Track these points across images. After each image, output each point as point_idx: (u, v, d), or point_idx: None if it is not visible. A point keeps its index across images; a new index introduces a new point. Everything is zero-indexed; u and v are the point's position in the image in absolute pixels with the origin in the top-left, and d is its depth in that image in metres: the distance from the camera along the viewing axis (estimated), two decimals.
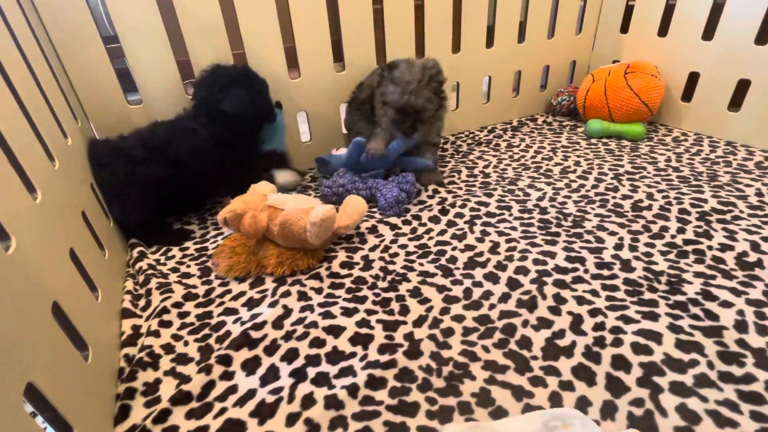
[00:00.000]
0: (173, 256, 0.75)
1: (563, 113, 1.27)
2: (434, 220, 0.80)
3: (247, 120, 0.82)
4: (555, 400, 0.46)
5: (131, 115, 0.83)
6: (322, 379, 0.50)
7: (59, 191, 0.53)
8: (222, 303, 0.63)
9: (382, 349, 0.53)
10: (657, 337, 0.53)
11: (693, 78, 1.07)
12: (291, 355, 0.53)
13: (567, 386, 0.47)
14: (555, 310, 0.58)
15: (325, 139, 1.03)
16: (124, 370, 0.52)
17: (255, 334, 0.56)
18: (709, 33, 1.01)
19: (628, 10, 1.16)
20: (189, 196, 0.85)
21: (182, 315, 0.61)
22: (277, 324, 0.58)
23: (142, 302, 0.64)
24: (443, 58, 1.07)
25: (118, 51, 0.79)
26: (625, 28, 1.18)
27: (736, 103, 1.01)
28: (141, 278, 0.68)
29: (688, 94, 1.09)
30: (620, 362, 0.50)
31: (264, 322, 0.58)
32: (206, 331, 0.58)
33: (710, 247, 0.67)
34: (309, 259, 0.68)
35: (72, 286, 0.48)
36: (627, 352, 0.51)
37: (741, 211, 0.75)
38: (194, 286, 0.67)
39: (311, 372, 0.51)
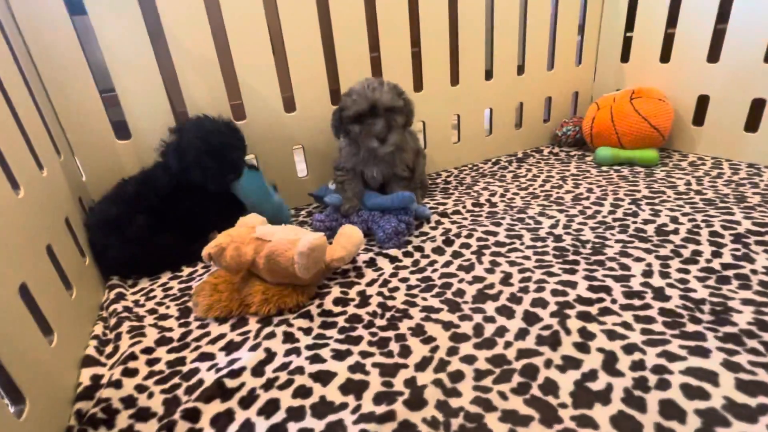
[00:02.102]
0: (154, 296, 0.68)
1: (569, 143, 1.23)
2: (438, 251, 0.73)
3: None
4: None
5: (119, 151, 0.80)
6: None
7: (17, 221, 0.48)
8: (198, 347, 0.55)
9: (378, 399, 0.45)
10: (712, 377, 0.43)
11: (702, 101, 1.03)
12: (270, 408, 0.45)
13: None
14: (582, 347, 0.49)
15: (322, 172, 0.99)
16: (72, 430, 0.44)
17: (230, 383, 0.48)
18: (714, 55, 0.98)
19: (627, 41, 1.16)
20: (181, 243, 0.77)
21: (151, 362, 0.53)
22: (257, 371, 0.50)
23: (108, 348, 0.56)
24: (442, 90, 1.06)
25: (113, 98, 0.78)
26: (625, 57, 1.17)
27: (752, 124, 0.96)
28: (112, 321, 0.61)
29: (699, 118, 1.05)
30: (671, 409, 0.40)
31: (242, 369, 0.49)
32: (176, 380, 0.50)
33: (754, 271, 0.59)
34: (298, 296, 0.61)
35: (17, 329, 0.41)
36: (677, 396, 0.42)
37: None
38: (170, 329, 0.59)
39: (293, 428, 0.42)
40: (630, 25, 1.13)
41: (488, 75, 1.12)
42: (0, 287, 0.41)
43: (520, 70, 1.15)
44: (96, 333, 0.59)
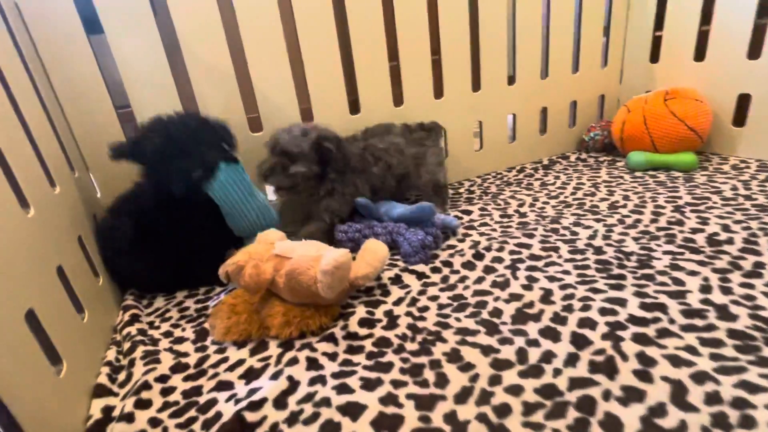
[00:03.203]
0: (169, 318, 0.65)
1: (597, 149, 1.17)
2: (468, 266, 0.68)
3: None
4: None
5: (134, 167, 0.78)
6: None
7: (26, 242, 0.45)
8: (215, 375, 0.51)
9: None
10: None
11: (743, 100, 0.97)
12: None
13: None
14: (644, 376, 0.43)
15: None
16: None
17: (251, 417, 0.43)
18: (755, 51, 0.92)
19: (656, 40, 1.10)
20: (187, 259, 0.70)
21: (166, 391, 0.49)
22: (280, 402, 0.45)
23: (121, 376, 0.53)
24: (463, 97, 1.02)
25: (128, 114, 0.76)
26: (654, 57, 1.11)
27: None
28: (126, 346, 0.57)
29: (739, 119, 0.99)
30: None
31: (263, 400, 0.45)
32: (192, 412, 0.46)
33: None
34: (321, 317, 0.57)
35: (21, 360, 0.38)
36: None
37: None
38: (186, 354, 0.55)
39: None
40: (659, 23, 1.08)
41: (510, 80, 1.07)
42: (5, 314, 0.37)
43: (544, 73, 1.11)
44: (109, 359, 0.55)
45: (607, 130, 1.14)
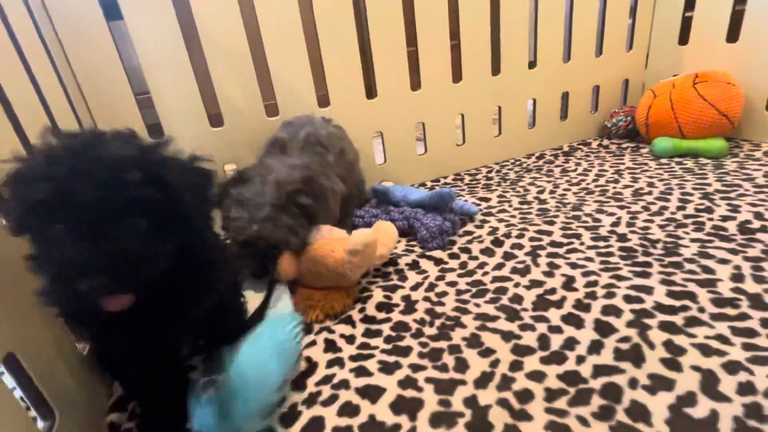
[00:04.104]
0: None
1: (620, 135, 1.14)
2: (487, 252, 0.67)
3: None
4: None
5: None
6: None
7: None
8: None
9: (435, 420, 0.39)
10: None
11: None
12: (315, 427, 0.40)
13: None
14: (672, 364, 0.42)
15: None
16: None
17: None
18: None
19: (685, 21, 1.05)
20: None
21: None
22: (299, 384, 0.45)
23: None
24: (482, 81, 0.99)
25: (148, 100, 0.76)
26: (684, 39, 1.07)
27: None
28: None
29: None
30: None
31: (283, 382, 0.45)
32: None
33: None
34: (344, 299, 0.57)
35: (37, 339, 0.38)
36: None
37: None
38: None
39: None
40: (690, 3, 1.03)
41: (531, 64, 1.04)
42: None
43: (566, 57, 1.07)
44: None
45: (631, 116, 1.10)
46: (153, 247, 0.32)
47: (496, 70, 1.01)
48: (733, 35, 0.97)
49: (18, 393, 0.35)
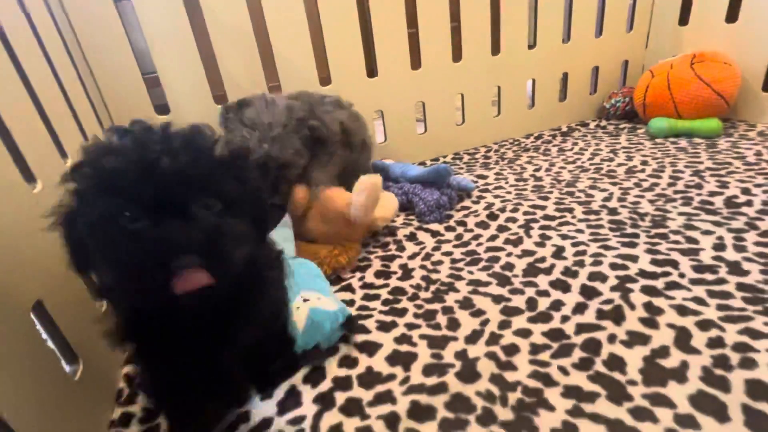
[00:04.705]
0: None
1: (618, 116, 1.15)
2: (482, 225, 0.70)
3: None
4: None
5: None
6: (353, 407, 0.40)
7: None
8: None
9: (427, 371, 0.43)
10: None
11: None
12: (316, 377, 0.44)
13: (687, 422, 0.34)
14: (649, 323, 0.45)
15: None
16: (122, 392, 0.45)
17: None
18: None
19: (686, 2, 1.06)
20: None
21: None
22: None
23: None
24: (482, 60, 1.00)
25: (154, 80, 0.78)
26: (684, 19, 1.07)
27: None
28: None
29: None
30: (760, 390, 0.36)
31: None
32: None
33: None
34: (348, 252, 0.61)
35: (64, 288, 0.41)
36: (767, 375, 0.37)
37: None
38: None
39: (340, 397, 0.41)
40: None
41: (531, 44, 1.05)
42: (50, 245, 0.41)
43: (565, 37, 1.08)
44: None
45: (629, 97, 1.12)
46: (244, 232, 0.30)
47: (495, 50, 1.02)
48: (732, 15, 0.98)
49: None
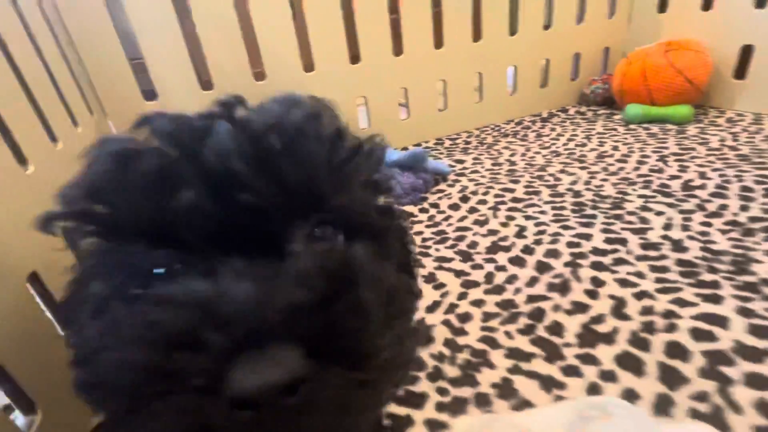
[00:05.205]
0: None
1: (598, 102, 1.18)
2: (454, 207, 0.74)
3: None
4: (594, 392, 0.38)
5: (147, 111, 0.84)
6: None
7: (57, 169, 0.52)
8: None
9: None
10: (722, 321, 0.43)
11: (746, 53, 0.96)
12: None
13: (608, 376, 0.39)
14: (592, 294, 0.49)
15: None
16: None
17: None
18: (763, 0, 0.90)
19: None
20: None
21: None
22: None
23: None
24: (463, 47, 1.03)
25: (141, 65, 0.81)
26: (663, 6, 1.09)
27: None
28: None
29: (741, 72, 0.98)
30: (676, 350, 0.41)
31: None
32: None
33: None
34: None
35: (58, 260, 0.46)
36: (685, 338, 0.42)
37: None
38: None
39: None
40: None
41: (512, 30, 1.07)
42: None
43: (546, 24, 1.10)
44: None
45: (608, 84, 1.15)
46: (403, 290, 0.18)
47: (477, 36, 1.04)
48: (707, 3, 1.00)
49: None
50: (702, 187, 0.69)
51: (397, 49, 0.98)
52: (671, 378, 0.38)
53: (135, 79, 0.81)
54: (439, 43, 1.01)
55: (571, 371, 0.40)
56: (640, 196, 0.69)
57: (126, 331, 0.14)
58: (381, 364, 0.14)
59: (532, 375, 0.40)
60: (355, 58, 0.95)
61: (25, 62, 0.52)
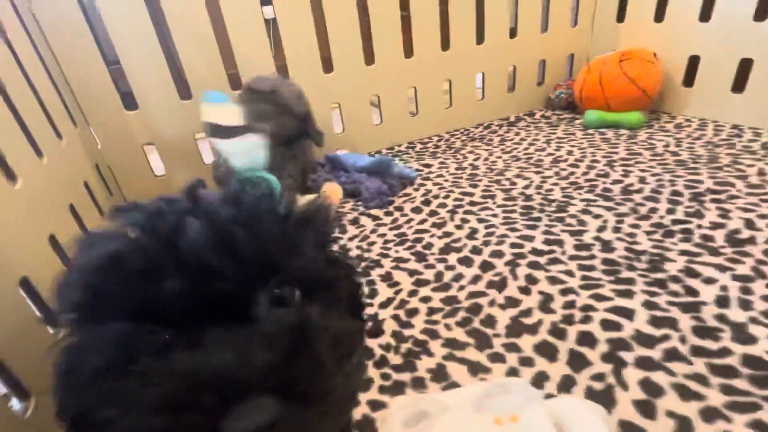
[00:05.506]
0: None
1: (562, 107, 1.25)
2: (416, 210, 0.80)
3: None
4: (512, 375, 0.44)
5: (129, 120, 0.88)
6: None
7: (43, 185, 0.57)
8: None
9: None
10: (629, 313, 0.50)
11: (694, 62, 1.03)
12: None
13: (527, 362, 0.46)
14: (525, 290, 0.56)
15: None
16: None
17: None
18: (706, 14, 0.97)
19: (623, 0, 1.14)
20: None
21: None
22: None
23: None
24: (433, 56, 1.08)
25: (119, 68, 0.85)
26: (621, 17, 1.16)
27: (739, 84, 0.96)
28: None
29: (689, 79, 1.05)
30: (587, 338, 0.48)
31: None
32: None
33: (700, 226, 0.64)
34: None
35: (47, 267, 0.51)
36: (596, 328, 0.49)
37: (739, 191, 0.71)
38: None
39: None
40: None
41: (479, 39, 1.13)
42: (31, 240, 0.50)
43: (513, 33, 1.16)
44: None
45: (572, 89, 1.21)
46: (352, 333, 0.22)
47: (445, 45, 1.10)
48: (660, 15, 1.07)
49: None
50: (639, 191, 0.76)
51: (369, 59, 1.03)
52: (578, 362, 0.45)
53: (116, 89, 0.85)
54: (408, 52, 1.07)
55: (497, 358, 0.47)
56: (583, 200, 0.76)
57: (139, 402, 0.16)
58: (335, 398, 0.18)
59: (463, 361, 0.47)
60: (328, 66, 1.01)
61: (8, 76, 0.57)
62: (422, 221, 0.76)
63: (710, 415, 0.38)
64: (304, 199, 0.68)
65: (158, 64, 0.85)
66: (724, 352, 0.44)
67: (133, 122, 0.89)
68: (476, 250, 0.66)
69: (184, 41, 0.86)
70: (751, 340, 0.45)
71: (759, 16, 0.89)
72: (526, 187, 0.83)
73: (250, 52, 0.92)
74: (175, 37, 0.85)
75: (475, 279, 0.59)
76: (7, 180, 0.49)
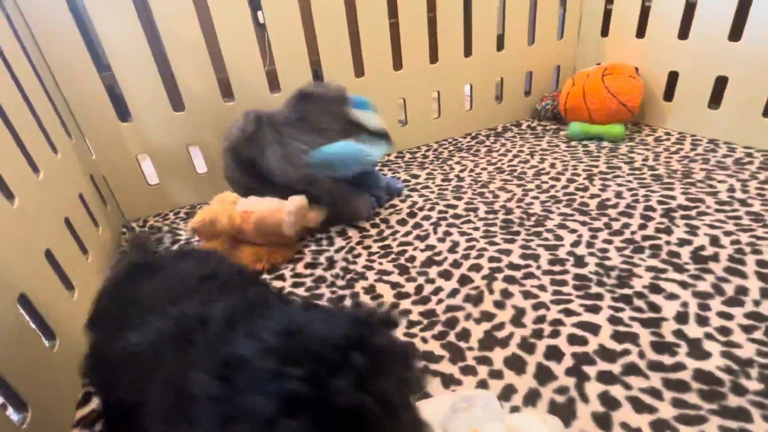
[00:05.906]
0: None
1: (548, 117, 1.28)
2: (401, 222, 0.83)
3: None
4: (482, 388, 0.48)
5: (122, 132, 0.90)
6: None
7: (39, 200, 0.59)
8: None
9: None
10: (595, 328, 0.53)
11: (673, 77, 1.06)
12: None
13: (496, 375, 0.49)
14: (499, 305, 0.59)
15: None
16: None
17: None
18: (684, 32, 1.01)
19: (608, 14, 1.17)
20: None
21: None
22: None
23: None
24: (421, 69, 1.11)
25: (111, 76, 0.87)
26: (605, 31, 1.19)
27: (715, 100, 0.99)
28: None
29: (670, 94, 1.09)
30: (554, 352, 0.51)
31: None
32: None
33: (668, 242, 0.67)
34: (286, 252, 0.73)
35: (44, 282, 0.53)
36: (562, 343, 0.52)
37: (708, 207, 0.75)
38: None
39: None
40: None
41: (467, 52, 1.16)
42: (29, 256, 0.52)
43: (500, 45, 1.19)
44: None
45: (558, 100, 1.24)
46: None
47: (434, 58, 1.13)
48: (641, 31, 1.10)
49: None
50: (615, 206, 0.79)
51: (358, 72, 1.06)
52: (544, 376, 0.48)
53: (110, 101, 0.87)
54: (398, 65, 1.09)
55: (469, 370, 0.50)
56: (561, 214, 0.79)
57: None
58: None
59: (437, 373, 0.50)
60: (319, 80, 1.03)
61: (5, 93, 0.59)
62: (407, 233, 0.79)
63: (660, 426, 0.41)
64: (293, 200, 0.71)
65: (150, 73, 0.87)
66: (678, 366, 0.47)
67: (127, 133, 0.91)
68: (456, 264, 0.69)
69: (178, 56, 0.88)
70: (705, 355, 0.48)
71: (734, 36, 0.92)
72: (508, 200, 0.86)
73: (245, 69, 0.94)
74: (167, 45, 0.87)
75: (453, 292, 0.62)
76: (5, 199, 0.51)
